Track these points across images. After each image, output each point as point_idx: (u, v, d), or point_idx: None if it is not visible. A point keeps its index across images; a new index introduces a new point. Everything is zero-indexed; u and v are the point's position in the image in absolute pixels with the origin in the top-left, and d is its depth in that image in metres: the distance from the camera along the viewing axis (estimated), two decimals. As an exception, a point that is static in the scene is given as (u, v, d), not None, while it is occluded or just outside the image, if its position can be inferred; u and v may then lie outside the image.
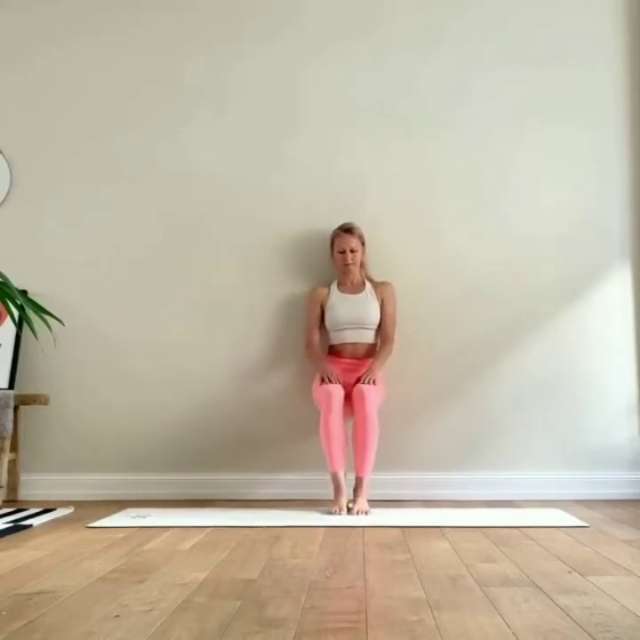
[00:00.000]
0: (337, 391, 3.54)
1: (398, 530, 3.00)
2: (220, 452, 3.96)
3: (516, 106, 4.05)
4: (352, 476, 3.54)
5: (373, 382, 3.60)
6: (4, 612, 1.89)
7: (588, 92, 4.04)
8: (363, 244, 3.85)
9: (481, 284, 3.98)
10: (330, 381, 3.59)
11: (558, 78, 4.04)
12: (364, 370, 3.70)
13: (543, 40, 4.06)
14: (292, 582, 2.18)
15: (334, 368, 3.71)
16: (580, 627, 1.73)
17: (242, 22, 4.15)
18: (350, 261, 3.82)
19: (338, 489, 3.45)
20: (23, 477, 3.97)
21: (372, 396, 3.53)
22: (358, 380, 3.63)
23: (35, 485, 3.96)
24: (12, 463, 3.87)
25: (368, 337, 3.82)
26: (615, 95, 4.03)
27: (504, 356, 3.95)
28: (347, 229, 3.83)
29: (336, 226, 3.87)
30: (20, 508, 3.62)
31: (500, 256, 3.99)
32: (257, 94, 4.12)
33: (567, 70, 4.05)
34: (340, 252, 3.83)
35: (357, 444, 3.50)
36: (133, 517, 3.33)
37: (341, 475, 3.47)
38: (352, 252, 3.81)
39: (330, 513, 3.36)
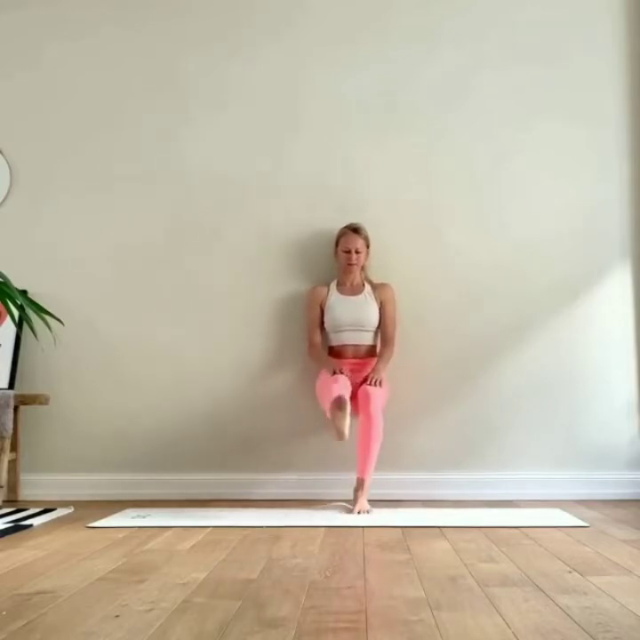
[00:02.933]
0: (343, 379, 3.53)
1: (398, 530, 2.99)
2: (221, 452, 3.96)
3: (515, 106, 4.05)
4: (352, 477, 3.53)
5: (379, 384, 3.60)
6: (4, 612, 1.90)
7: (587, 91, 4.04)
8: (368, 246, 3.84)
9: (481, 284, 3.98)
10: (341, 373, 3.59)
11: (558, 77, 4.04)
12: (368, 369, 3.71)
13: (543, 39, 4.06)
14: (291, 582, 2.18)
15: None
16: (580, 627, 1.73)
17: (242, 21, 4.15)
18: (354, 262, 3.81)
19: (342, 405, 3.30)
20: (23, 477, 3.97)
21: (378, 397, 3.53)
22: (364, 381, 3.63)
23: (35, 485, 3.96)
24: (12, 463, 3.87)
25: (367, 339, 3.81)
26: (615, 95, 4.03)
27: (504, 357, 3.95)
28: (354, 229, 3.82)
29: (336, 225, 3.87)
30: (20, 507, 3.62)
31: (499, 256, 3.99)
32: (257, 94, 4.12)
33: (567, 70, 4.04)
34: (344, 251, 3.82)
35: (360, 444, 3.49)
36: (133, 517, 3.33)
37: (345, 395, 3.36)
38: (357, 252, 3.80)
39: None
